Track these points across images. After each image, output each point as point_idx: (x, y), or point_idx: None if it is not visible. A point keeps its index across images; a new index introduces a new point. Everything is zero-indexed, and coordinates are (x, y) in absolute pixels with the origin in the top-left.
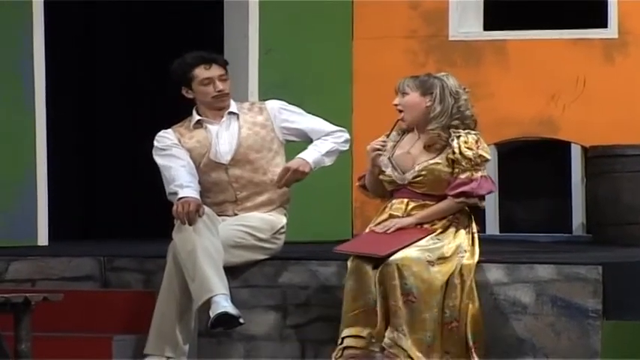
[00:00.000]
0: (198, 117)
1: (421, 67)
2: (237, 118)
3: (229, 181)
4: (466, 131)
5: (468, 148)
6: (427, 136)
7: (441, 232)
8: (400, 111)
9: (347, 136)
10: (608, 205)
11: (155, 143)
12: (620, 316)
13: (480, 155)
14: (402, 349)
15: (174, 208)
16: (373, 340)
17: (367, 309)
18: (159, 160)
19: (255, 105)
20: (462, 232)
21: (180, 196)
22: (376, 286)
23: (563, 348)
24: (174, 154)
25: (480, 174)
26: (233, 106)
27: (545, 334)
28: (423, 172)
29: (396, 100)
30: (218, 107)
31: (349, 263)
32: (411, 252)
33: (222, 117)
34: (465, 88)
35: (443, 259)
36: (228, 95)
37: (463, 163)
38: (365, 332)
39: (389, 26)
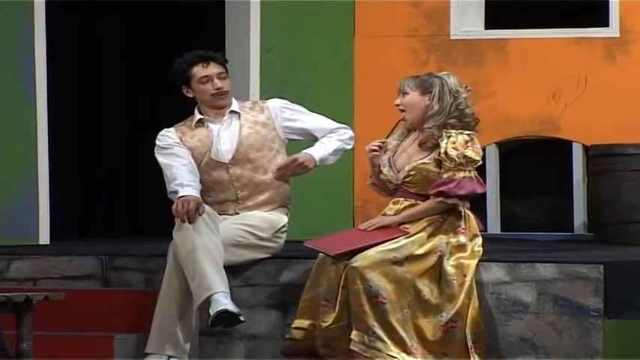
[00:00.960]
0: (199, 116)
1: (422, 66)
2: (239, 117)
3: (230, 180)
4: (459, 131)
5: (454, 148)
6: (423, 134)
7: (418, 232)
8: (402, 110)
9: (351, 132)
10: (610, 204)
11: (157, 142)
12: (622, 314)
13: (465, 156)
14: (378, 350)
15: (174, 206)
16: (316, 333)
17: (313, 302)
18: (160, 158)
19: (257, 104)
20: (445, 232)
21: (180, 194)
22: (340, 287)
23: (564, 347)
24: (175, 153)
25: (462, 174)
26: (235, 105)
27: (547, 333)
28: (412, 172)
29: (397, 101)
30: (218, 105)
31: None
32: (373, 254)
33: (224, 116)
34: (466, 87)
35: (413, 257)
36: (228, 93)
37: (447, 163)
38: (306, 324)
39: (390, 24)
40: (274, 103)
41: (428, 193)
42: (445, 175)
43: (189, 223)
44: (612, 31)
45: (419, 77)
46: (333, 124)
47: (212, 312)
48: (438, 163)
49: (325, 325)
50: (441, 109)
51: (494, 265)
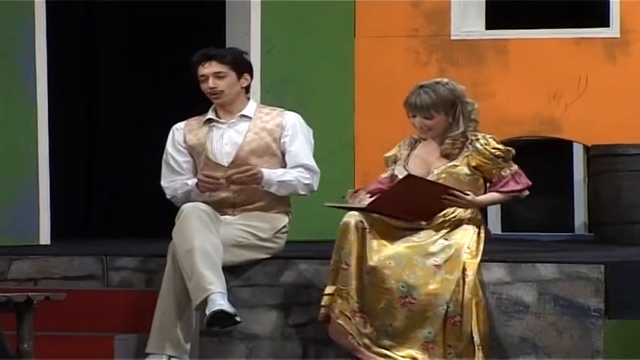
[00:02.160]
0: (210, 115)
1: (423, 66)
2: (250, 120)
3: (228, 183)
4: (482, 134)
5: (494, 148)
6: (443, 145)
7: (449, 232)
8: (428, 130)
9: (313, 183)
10: (610, 204)
11: (168, 138)
12: (622, 315)
13: (508, 150)
14: (383, 348)
15: (198, 183)
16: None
17: (337, 266)
18: (163, 161)
19: (275, 111)
20: (470, 232)
21: (192, 184)
22: (364, 274)
23: (565, 347)
24: (173, 168)
25: (515, 167)
26: (249, 109)
27: (548, 333)
28: (443, 175)
29: (418, 124)
30: (218, 105)
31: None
32: (413, 256)
33: (233, 118)
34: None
35: (449, 261)
36: (223, 93)
37: (500, 161)
38: (332, 289)
39: (391, 25)
40: (291, 117)
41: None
42: (505, 173)
43: (219, 185)
44: (612, 31)
45: (437, 96)
46: (306, 162)
47: (208, 312)
48: (470, 166)
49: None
50: (460, 130)
51: (495, 265)
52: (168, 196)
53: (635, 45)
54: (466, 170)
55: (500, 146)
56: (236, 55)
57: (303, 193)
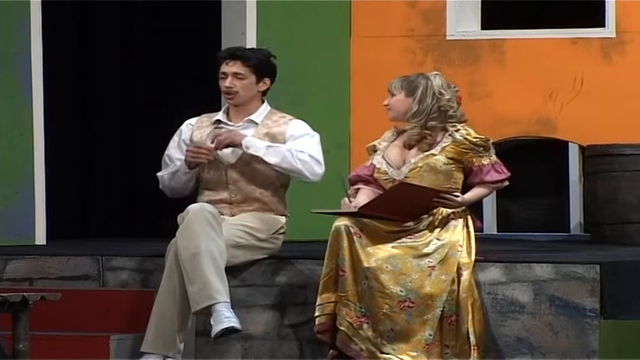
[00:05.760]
0: (220, 115)
1: (419, 66)
2: (256, 126)
3: (227, 182)
4: (462, 125)
5: (475, 137)
6: (406, 134)
7: (440, 230)
8: (388, 109)
9: (314, 166)
10: (606, 204)
11: (177, 131)
12: (618, 315)
13: (487, 139)
14: (382, 352)
15: (187, 152)
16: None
17: (335, 273)
18: (168, 150)
19: (284, 118)
20: (459, 228)
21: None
22: (362, 278)
23: (561, 347)
24: (166, 162)
25: (494, 157)
26: (258, 115)
27: (543, 333)
28: (420, 164)
29: (385, 101)
30: (231, 105)
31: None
32: (408, 258)
33: (240, 121)
34: (454, 87)
35: (443, 261)
36: (237, 94)
37: (480, 150)
38: (334, 297)
39: (387, 25)
40: (295, 126)
41: (437, 185)
42: (485, 162)
43: (206, 155)
44: (608, 31)
45: (408, 78)
46: (311, 153)
47: (214, 324)
48: (449, 156)
49: (343, 295)
50: (420, 111)
51: (491, 265)
52: (160, 186)
53: (630, 45)
54: (443, 160)
55: (481, 136)
56: (261, 59)
57: (300, 167)
